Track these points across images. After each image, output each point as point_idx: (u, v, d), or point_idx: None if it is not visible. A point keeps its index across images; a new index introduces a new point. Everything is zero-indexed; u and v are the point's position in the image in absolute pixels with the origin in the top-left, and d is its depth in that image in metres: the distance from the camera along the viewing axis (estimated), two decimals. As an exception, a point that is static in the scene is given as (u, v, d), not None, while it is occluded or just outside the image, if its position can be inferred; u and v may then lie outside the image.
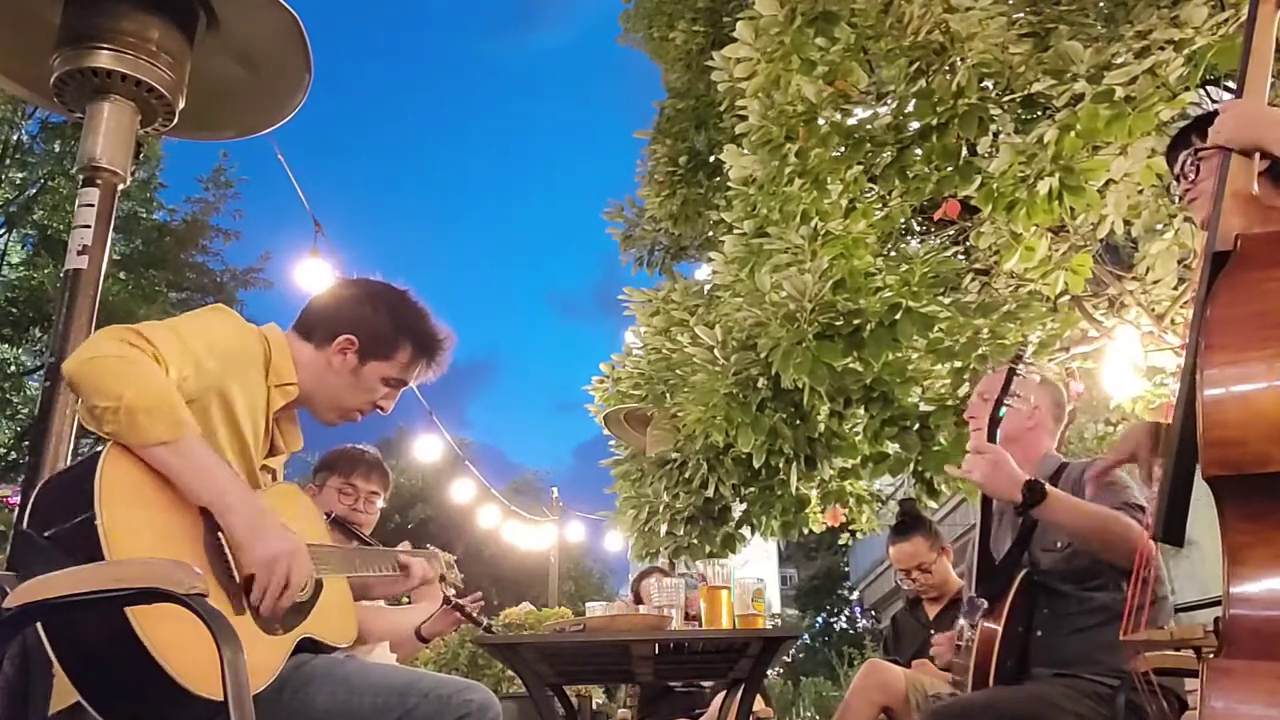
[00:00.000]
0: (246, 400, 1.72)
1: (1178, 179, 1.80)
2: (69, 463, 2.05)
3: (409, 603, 2.90)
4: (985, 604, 2.21)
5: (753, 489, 5.43)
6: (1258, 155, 1.52)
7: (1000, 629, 2.18)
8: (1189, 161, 1.74)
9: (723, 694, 3.46)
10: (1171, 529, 1.43)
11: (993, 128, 3.83)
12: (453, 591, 2.64)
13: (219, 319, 1.75)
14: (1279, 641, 1.24)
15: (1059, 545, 2.23)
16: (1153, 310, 4.70)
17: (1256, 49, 1.59)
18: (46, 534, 1.39)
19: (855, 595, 25.85)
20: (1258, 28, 1.59)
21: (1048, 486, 2.11)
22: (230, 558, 1.54)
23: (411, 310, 1.95)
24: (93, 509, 1.37)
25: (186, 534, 1.51)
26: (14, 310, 13.49)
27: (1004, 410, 2.25)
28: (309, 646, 1.70)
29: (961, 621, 2.28)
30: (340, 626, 1.80)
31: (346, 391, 1.88)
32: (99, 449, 1.47)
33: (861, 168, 4.13)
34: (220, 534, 1.54)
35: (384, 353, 1.89)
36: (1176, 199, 1.62)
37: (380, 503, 2.97)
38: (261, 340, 1.79)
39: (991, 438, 2.26)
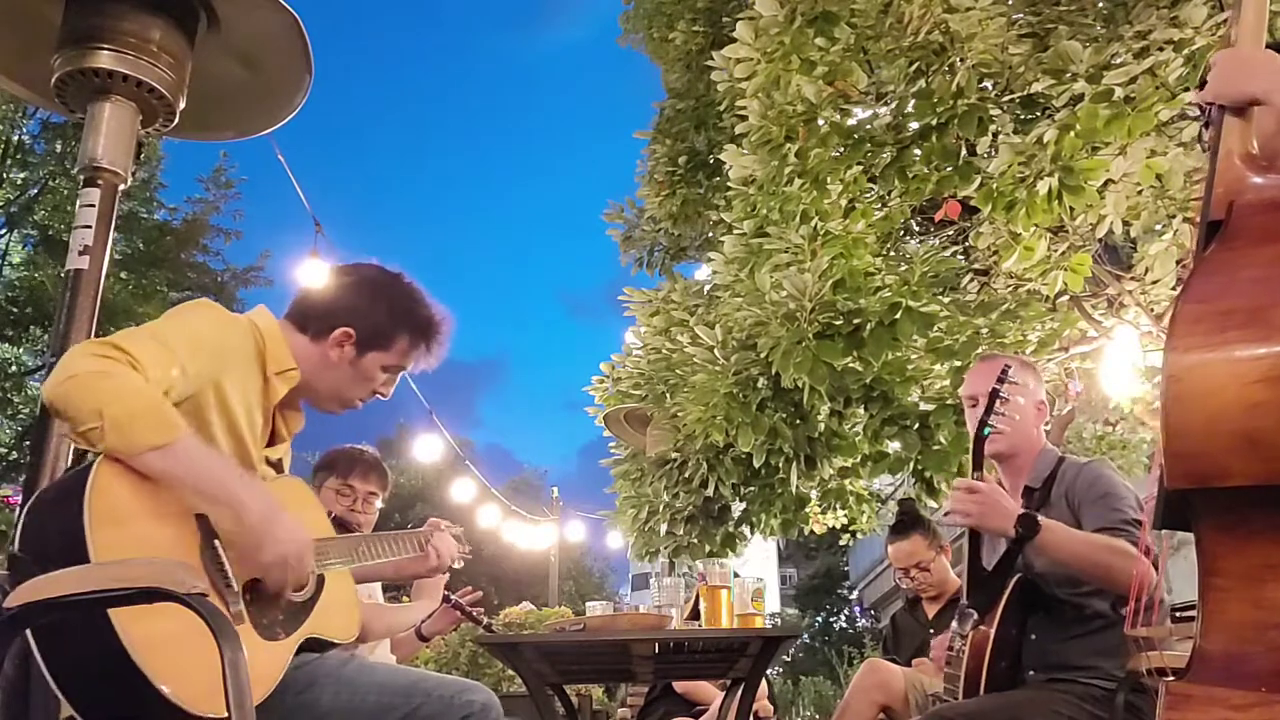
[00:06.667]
0: (241, 393, 1.70)
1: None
2: (69, 463, 2.04)
3: (409, 601, 2.90)
4: (975, 615, 2.19)
5: (752, 488, 5.43)
6: (1255, 109, 1.38)
7: (993, 632, 2.16)
8: None
9: (723, 694, 3.46)
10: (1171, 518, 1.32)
11: (992, 128, 3.83)
12: (460, 563, 2.64)
13: (202, 314, 1.72)
14: (1247, 666, 1.15)
15: None
16: (1152, 310, 4.71)
17: None
18: (38, 559, 1.35)
19: (855, 595, 25.85)
20: None
21: (1041, 519, 2.07)
22: (227, 566, 1.52)
23: (407, 296, 1.94)
24: (83, 534, 1.35)
25: (181, 545, 1.49)
26: (15, 310, 13.47)
27: (988, 430, 2.22)
28: (312, 644, 1.70)
29: (954, 627, 2.27)
30: (343, 622, 1.80)
31: (346, 383, 1.88)
32: (88, 461, 1.45)
33: (861, 168, 4.13)
34: (217, 542, 1.52)
35: (382, 343, 1.88)
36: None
37: (379, 503, 2.97)
38: (251, 330, 1.76)
39: (978, 459, 2.23)
